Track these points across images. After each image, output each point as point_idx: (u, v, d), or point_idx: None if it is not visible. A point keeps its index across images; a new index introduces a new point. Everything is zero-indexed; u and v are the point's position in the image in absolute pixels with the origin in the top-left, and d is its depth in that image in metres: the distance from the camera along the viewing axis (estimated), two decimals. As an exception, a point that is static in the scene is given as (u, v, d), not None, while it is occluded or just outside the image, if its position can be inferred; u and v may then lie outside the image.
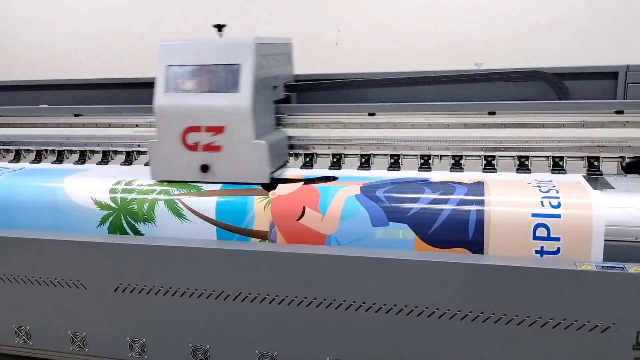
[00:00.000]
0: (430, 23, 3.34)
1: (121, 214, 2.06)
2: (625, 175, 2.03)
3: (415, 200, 1.83)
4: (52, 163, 2.56)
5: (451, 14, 3.32)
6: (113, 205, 2.07)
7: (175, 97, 2.08)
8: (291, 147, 2.28)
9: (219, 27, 2.22)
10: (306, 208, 1.90)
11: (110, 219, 2.07)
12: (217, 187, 2.03)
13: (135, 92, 2.65)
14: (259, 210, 1.93)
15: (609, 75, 2.22)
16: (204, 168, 2.06)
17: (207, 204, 1.99)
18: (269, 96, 2.19)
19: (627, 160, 2.04)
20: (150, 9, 3.83)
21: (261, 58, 2.07)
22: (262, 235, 1.93)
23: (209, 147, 2.05)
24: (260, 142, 2.02)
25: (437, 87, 2.33)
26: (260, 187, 2.00)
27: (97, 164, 2.50)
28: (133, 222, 2.05)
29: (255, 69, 2.02)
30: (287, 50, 2.44)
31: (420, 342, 1.77)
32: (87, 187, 2.13)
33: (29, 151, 2.63)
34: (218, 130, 2.03)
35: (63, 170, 2.33)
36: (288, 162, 2.28)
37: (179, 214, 2.01)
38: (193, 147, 2.06)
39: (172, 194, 2.03)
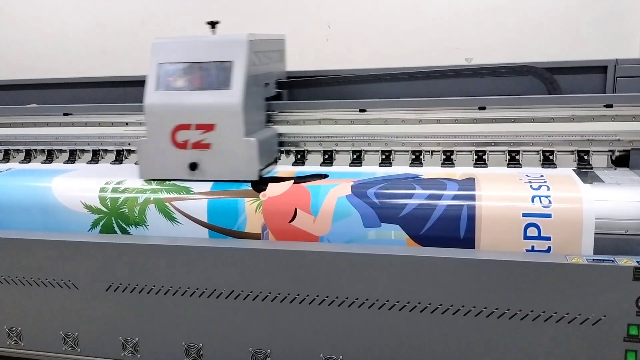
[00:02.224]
0: (421, 19, 3.34)
1: (112, 218, 2.05)
2: (615, 169, 2.04)
3: (407, 201, 1.83)
4: (41, 163, 2.54)
5: (441, 10, 3.32)
6: (104, 209, 2.05)
7: (166, 94, 2.07)
8: (282, 144, 2.28)
9: (212, 24, 2.21)
10: (298, 210, 1.89)
11: (101, 223, 2.06)
12: (207, 188, 2.01)
13: (125, 91, 2.64)
14: (251, 212, 1.93)
15: (598, 69, 2.24)
16: (193, 166, 2.04)
17: (199, 207, 1.97)
18: (261, 93, 2.18)
19: (617, 153, 2.05)
20: (139, 6, 3.81)
21: (253, 55, 2.06)
22: (255, 238, 1.93)
23: (199, 145, 2.04)
24: (250, 140, 2.01)
25: (428, 82, 2.33)
26: (251, 188, 1.98)
27: (87, 163, 2.49)
28: (125, 226, 2.04)
29: (248, 66, 2.01)
30: (280, 47, 2.43)
31: (412, 337, 1.77)
32: (77, 189, 2.11)
33: (18, 151, 2.61)
34: (208, 128, 2.02)
35: (52, 170, 2.31)
36: (279, 159, 2.28)
37: (171, 217, 2.00)
38: (182, 145, 2.05)
39: (162, 196, 2.02)
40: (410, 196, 1.84)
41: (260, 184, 1.99)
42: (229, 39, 2.05)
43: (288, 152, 2.30)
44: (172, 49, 2.09)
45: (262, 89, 2.18)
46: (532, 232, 1.72)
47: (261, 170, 2.05)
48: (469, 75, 2.26)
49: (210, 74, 2.04)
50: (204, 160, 2.04)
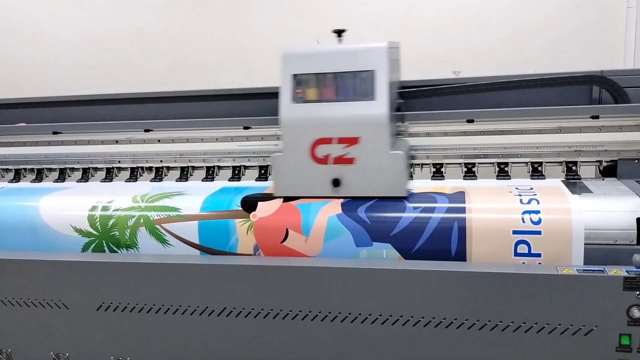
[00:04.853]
0: (409, 33, 3.38)
1: (103, 241, 2.04)
2: (603, 179, 2.06)
3: (397, 220, 1.83)
4: (31, 182, 2.53)
5: (429, 24, 3.36)
6: (94, 232, 2.04)
7: (304, 107, 1.96)
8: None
9: (339, 33, 2.10)
10: (289, 230, 1.89)
11: (92, 246, 2.05)
12: (197, 210, 1.99)
13: (115, 108, 2.64)
14: (242, 233, 1.92)
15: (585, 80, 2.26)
16: (336, 182, 1.93)
17: (189, 228, 1.96)
18: (394, 104, 2.07)
19: (604, 164, 2.07)
20: (127, 23, 3.82)
21: (391, 63, 1.97)
22: None
23: (341, 160, 1.92)
24: (397, 153, 1.90)
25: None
26: (241, 209, 1.96)
27: (77, 181, 2.48)
28: (116, 249, 2.03)
29: (389, 74, 1.92)
30: (398, 56, 2.29)
31: (405, 351, 1.77)
32: (66, 211, 2.10)
33: (7, 170, 2.60)
34: (352, 141, 1.91)
35: (42, 189, 2.30)
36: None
37: (162, 240, 1.99)
38: (323, 160, 1.94)
39: (153, 219, 2.01)
40: (400, 216, 1.84)
41: (250, 207, 1.96)
42: (368, 47, 1.94)
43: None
44: (305, 60, 1.97)
45: (395, 99, 2.08)
46: (522, 249, 1.73)
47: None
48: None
49: (351, 84, 1.93)
50: (347, 175, 1.93)
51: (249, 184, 2.24)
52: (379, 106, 1.89)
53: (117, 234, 2.02)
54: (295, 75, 1.96)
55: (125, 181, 2.44)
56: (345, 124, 1.91)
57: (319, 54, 1.97)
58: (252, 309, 1.85)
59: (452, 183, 2.05)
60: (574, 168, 2.06)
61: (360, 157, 1.91)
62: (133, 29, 3.82)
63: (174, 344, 1.95)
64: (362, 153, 1.91)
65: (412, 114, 2.16)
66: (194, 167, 2.40)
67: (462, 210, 1.80)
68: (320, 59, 1.96)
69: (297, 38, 3.54)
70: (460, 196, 1.87)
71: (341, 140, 1.91)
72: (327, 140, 1.92)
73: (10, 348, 2.11)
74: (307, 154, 1.95)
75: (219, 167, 2.38)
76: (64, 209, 2.11)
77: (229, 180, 2.32)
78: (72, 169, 2.52)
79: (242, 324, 1.87)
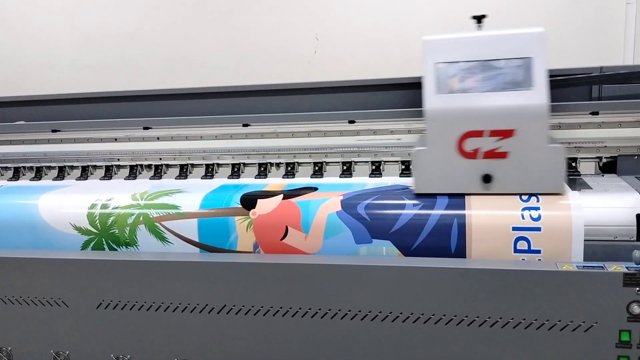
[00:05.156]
0: (407, 30, 3.37)
1: (103, 239, 2.03)
2: (603, 175, 2.06)
3: (397, 217, 1.83)
4: (30, 180, 2.53)
5: (427, 20, 3.36)
6: (94, 230, 2.04)
7: (451, 98, 1.82)
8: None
9: (479, 19, 2.01)
10: (289, 228, 1.88)
11: (92, 244, 2.05)
12: (196, 208, 1.99)
13: (113, 106, 2.64)
14: (242, 230, 1.92)
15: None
16: (487, 178, 1.80)
17: (189, 226, 1.96)
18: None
19: (604, 160, 2.07)
20: (126, 22, 3.82)
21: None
22: None
23: (492, 154, 1.80)
24: (556, 147, 1.77)
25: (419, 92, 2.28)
26: (240, 206, 1.96)
27: (76, 179, 2.48)
28: (115, 247, 2.03)
29: (545, 61, 1.80)
30: None
31: (405, 347, 1.77)
32: (65, 209, 2.09)
33: (6, 169, 2.60)
34: (506, 134, 1.78)
35: (41, 187, 2.30)
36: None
37: (162, 237, 1.98)
38: (471, 155, 1.81)
39: (152, 216, 2.00)
40: (400, 212, 1.83)
41: (251, 204, 1.95)
42: (523, 32, 1.83)
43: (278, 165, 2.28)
44: (450, 48, 1.86)
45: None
46: (522, 245, 1.72)
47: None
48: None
49: (505, 73, 1.81)
50: (500, 171, 1.80)
51: (248, 181, 2.24)
52: (538, 96, 1.77)
53: (117, 232, 2.02)
54: (440, 64, 1.85)
55: (125, 179, 2.43)
56: (499, 115, 1.78)
57: (466, 41, 1.86)
58: (252, 307, 1.85)
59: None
60: (573, 164, 2.06)
61: (515, 151, 1.78)
62: (132, 29, 3.82)
63: (174, 342, 1.95)
64: (517, 146, 1.78)
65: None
66: (193, 165, 2.40)
67: (462, 206, 1.80)
68: (468, 45, 1.85)
69: (295, 37, 3.54)
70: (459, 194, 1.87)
71: (493, 133, 1.78)
72: (477, 133, 1.80)
73: (11, 346, 2.11)
74: (453, 148, 1.82)
75: (218, 165, 2.37)
76: (64, 207, 2.11)
77: (228, 178, 2.32)
78: (71, 167, 2.52)
79: (242, 322, 1.87)
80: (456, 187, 1.84)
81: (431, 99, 1.84)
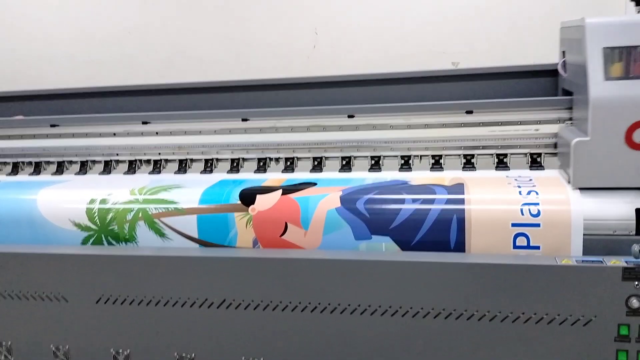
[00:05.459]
0: (407, 24, 3.37)
1: (102, 235, 2.03)
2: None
3: (396, 212, 1.82)
4: (29, 175, 2.52)
5: (427, 15, 3.35)
6: (93, 226, 2.04)
7: (620, 85, 1.71)
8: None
9: (638, 2, 1.90)
10: (288, 224, 1.88)
11: (91, 240, 2.05)
12: (195, 203, 1.98)
13: (112, 100, 2.63)
14: (241, 227, 1.91)
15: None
16: None
17: (188, 223, 1.96)
18: None
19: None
20: (124, 17, 3.80)
21: None
22: None
23: None
24: None
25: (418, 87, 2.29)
26: (240, 202, 1.95)
27: (75, 174, 2.48)
28: (115, 243, 2.03)
29: None
30: None
31: (405, 342, 1.77)
32: (64, 204, 2.09)
33: (5, 164, 2.59)
34: None
35: (40, 182, 2.30)
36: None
37: (161, 234, 1.98)
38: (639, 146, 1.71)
39: (151, 212, 2.00)
40: (399, 208, 1.83)
41: (249, 200, 1.94)
42: None
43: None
44: (619, 31, 1.73)
45: None
46: (521, 241, 1.73)
47: None
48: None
49: None
50: None
51: (247, 176, 2.24)
52: None
53: (116, 229, 2.02)
54: (607, 49, 1.73)
55: (124, 174, 2.43)
56: None
57: (636, 23, 1.74)
58: (252, 301, 1.85)
59: (451, 174, 2.05)
60: None
61: None
62: (130, 24, 3.80)
63: (174, 337, 1.95)
64: None
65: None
66: (192, 160, 2.40)
67: (461, 201, 1.80)
68: (638, 28, 1.72)
69: (293, 31, 3.53)
70: (459, 188, 1.86)
71: None
72: None
73: (10, 341, 2.11)
74: (621, 138, 1.71)
75: (217, 160, 2.37)
76: (62, 202, 2.10)
77: (227, 173, 2.32)
78: (70, 162, 2.51)
79: (241, 316, 1.87)
80: (623, 181, 1.73)
81: (597, 86, 1.72)
